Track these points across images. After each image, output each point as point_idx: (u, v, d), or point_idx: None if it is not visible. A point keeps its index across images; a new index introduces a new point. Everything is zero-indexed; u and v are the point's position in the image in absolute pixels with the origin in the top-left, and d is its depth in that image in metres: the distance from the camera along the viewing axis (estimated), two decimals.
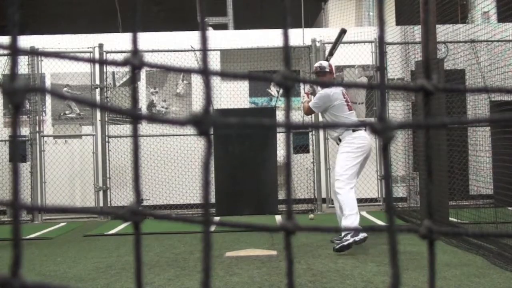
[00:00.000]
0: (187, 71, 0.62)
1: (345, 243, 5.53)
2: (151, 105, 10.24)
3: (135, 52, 0.59)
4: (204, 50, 0.59)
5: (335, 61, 7.87)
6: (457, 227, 6.74)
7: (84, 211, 0.68)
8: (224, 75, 0.65)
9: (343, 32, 6.68)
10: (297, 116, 10.23)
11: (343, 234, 5.68)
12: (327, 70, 6.07)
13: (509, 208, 7.24)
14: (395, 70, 9.41)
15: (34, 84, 9.27)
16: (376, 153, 8.97)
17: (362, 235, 5.59)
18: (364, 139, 5.94)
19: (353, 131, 5.81)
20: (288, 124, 0.61)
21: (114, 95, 9.87)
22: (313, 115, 9.61)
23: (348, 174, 5.79)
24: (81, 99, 0.62)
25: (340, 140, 5.92)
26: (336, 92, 6.07)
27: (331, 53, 6.54)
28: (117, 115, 9.07)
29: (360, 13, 12.01)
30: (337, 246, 5.55)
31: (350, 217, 5.61)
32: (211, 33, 11.63)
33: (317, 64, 6.22)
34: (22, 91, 0.54)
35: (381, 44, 0.67)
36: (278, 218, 8.69)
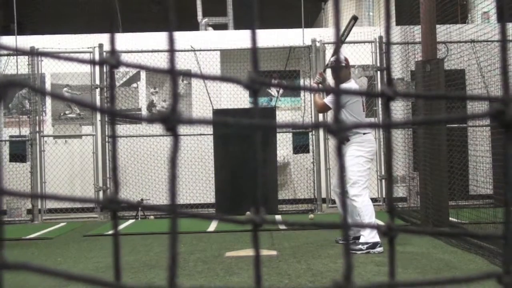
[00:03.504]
0: (157, 71, 0.63)
1: (358, 252, 5.40)
2: (151, 105, 10.24)
3: (113, 52, 0.60)
4: (172, 50, 0.59)
5: None
6: (453, 227, 6.75)
7: (67, 199, 0.68)
8: (192, 75, 0.66)
9: (353, 19, 6.18)
10: (297, 116, 10.23)
11: (361, 239, 5.61)
12: (343, 64, 5.77)
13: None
14: (395, 70, 9.41)
15: (33, 82, 9.24)
16: (376, 153, 8.97)
17: (378, 249, 5.47)
18: (372, 142, 5.79)
19: (364, 134, 5.58)
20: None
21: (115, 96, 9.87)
22: (312, 114, 9.65)
23: (362, 181, 5.64)
24: (63, 97, 0.63)
25: (347, 140, 5.57)
26: (356, 88, 5.83)
27: (341, 41, 6.16)
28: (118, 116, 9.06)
29: (360, 13, 12.00)
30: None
31: (371, 230, 5.48)
32: (211, 33, 11.64)
33: (332, 59, 5.97)
34: (3, 85, 0.55)
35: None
36: (278, 217, 8.68)
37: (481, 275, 0.61)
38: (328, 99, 5.74)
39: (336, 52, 0.69)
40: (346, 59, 5.90)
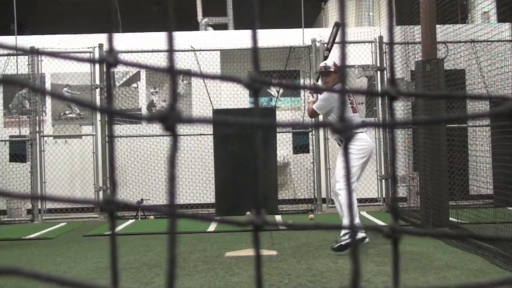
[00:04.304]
0: (156, 70, 0.63)
1: (343, 242, 5.42)
2: (151, 105, 10.24)
3: (111, 50, 0.60)
4: (171, 50, 0.59)
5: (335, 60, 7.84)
6: (453, 227, 6.75)
7: (64, 200, 0.68)
8: (192, 75, 0.66)
9: (336, 26, 6.44)
10: (297, 116, 10.23)
11: (341, 234, 5.63)
12: (332, 69, 5.94)
13: (509, 208, 7.24)
14: (395, 70, 9.40)
15: (35, 83, 9.24)
16: (377, 153, 8.97)
17: (360, 235, 5.50)
18: (365, 141, 5.89)
19: (355, 133, 5.70)
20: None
21: (114, 95, 9.88)
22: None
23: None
24: (59, 96, 0.63)
25: (341, 141, 5.81)
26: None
27: (328, 49, 6.34)
28: (117, 115, 9.07)
29: (360, 13, 12.00)
30: (335, 245, 5.50)
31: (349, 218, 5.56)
32: (211, 33, 11.64)
33: (321, 64, 6.11)
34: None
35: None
36: (278, 218, 8.68)
37: (502, 279, 0.60)
38: (316, 105, 5.97)
39: (343, 55, 0.69)
40: (335, 64, 6.04)
